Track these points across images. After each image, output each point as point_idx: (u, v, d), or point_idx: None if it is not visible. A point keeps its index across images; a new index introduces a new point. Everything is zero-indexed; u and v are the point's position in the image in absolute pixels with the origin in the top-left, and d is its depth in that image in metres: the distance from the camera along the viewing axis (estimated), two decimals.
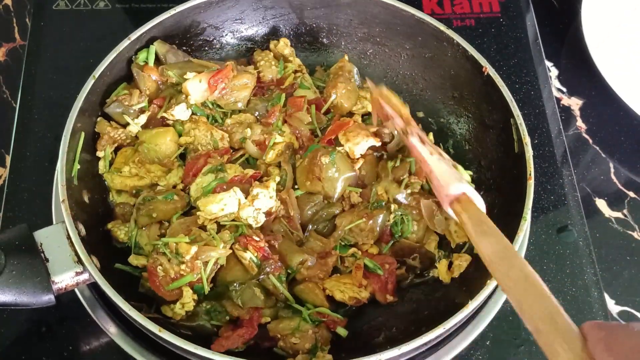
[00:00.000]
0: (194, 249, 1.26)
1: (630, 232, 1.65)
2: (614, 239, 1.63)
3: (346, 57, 1.65)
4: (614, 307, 1.54)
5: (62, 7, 1.89)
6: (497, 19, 1.93)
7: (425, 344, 1.17)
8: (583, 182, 1.71)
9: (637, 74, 1.83)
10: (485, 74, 1.46)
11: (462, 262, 1.39)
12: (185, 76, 1.50)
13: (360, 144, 1.46)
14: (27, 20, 1.91)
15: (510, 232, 1.25)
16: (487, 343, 1.44)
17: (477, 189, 1.49)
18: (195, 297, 1.29)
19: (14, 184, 1.60)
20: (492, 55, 1.84)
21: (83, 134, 1.38)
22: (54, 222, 1.41)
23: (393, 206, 1.43)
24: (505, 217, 1.35)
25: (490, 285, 1.20)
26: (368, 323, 1.38)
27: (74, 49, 1.82)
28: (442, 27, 1.52)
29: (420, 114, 1.66)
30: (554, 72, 1.90)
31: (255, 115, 1.54)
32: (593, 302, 1.49)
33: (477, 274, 1.34)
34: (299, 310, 1.34)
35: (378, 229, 1.41)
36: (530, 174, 1.32)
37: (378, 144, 1.48)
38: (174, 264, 1.26)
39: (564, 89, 1.87)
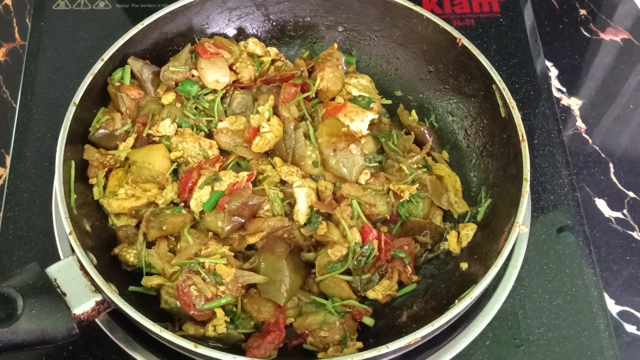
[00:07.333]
0: (233, 271, 1.25)
1: (630, 232, 1.65)
2: (614, 239, 1.63)
3: (335, 45, 1.64)
4: (613, 307, 1.54)
5: (62, 7, 1.89)
6: (497, 19, 1.93)
7: (454, 316, 1.17)
8: (583, 182, 1.71)
9: None
10: (460, 44, 1.46)
11: (468, 231, 1.42)
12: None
13: (364, 120, 1.49)
14: (27, 20, 1.91)
15: (515, 195, 1.27)
16: (487, 343, 1.44)
17: (469, 156, 1.55)
18: (228, 318, 1.28)
19: (14, 184, 1.59)
20: (492, 55, 1.84)
21: (73, 163, 1.35)
22: (61, 256, 1.39)
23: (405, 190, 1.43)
24: (504, 182, 1.38)
25: (505, 252, 1.22)
26: (388, 305, 1.39)
27: (74, 49, 1.82)
28: (410, 5, 1.52)
29: (399, 93, 1.67)
30: (553, 72, 1.90)
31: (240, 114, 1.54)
32: (593, 302, 1.49)
33: (484, 242, 1.36)
34: (322, 304, 1.33)
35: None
36: (522, 136, 1.33)
37: (376, 115, 1.53)
38: (211, 284, 1.25)
39: (564, 89, 1.87)
